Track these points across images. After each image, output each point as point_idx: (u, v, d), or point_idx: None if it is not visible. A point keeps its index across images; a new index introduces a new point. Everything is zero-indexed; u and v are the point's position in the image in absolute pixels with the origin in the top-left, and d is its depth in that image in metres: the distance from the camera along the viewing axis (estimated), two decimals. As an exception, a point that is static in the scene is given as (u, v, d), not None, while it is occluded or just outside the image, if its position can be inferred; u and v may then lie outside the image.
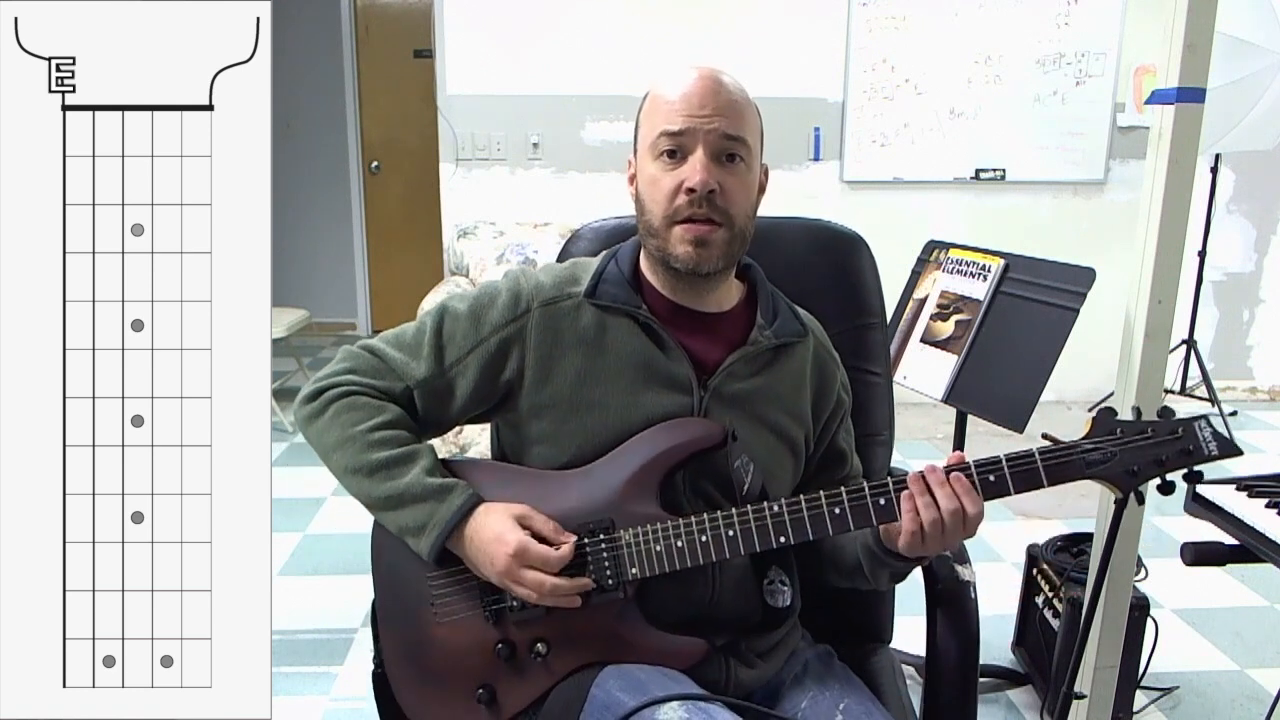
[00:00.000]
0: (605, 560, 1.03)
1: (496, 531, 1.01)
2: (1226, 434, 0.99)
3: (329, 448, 1.07)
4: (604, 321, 1.09)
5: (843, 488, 1.02)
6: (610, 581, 1.03)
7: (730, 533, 1.02)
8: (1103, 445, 0.99)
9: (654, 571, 1.03)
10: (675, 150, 1.05)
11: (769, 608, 1.10)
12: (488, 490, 1.07)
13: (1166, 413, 1.01)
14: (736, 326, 1.13)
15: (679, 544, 1.02)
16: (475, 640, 1.06)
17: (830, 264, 1.36)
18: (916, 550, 1.00)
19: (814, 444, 1.18)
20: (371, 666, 1.14)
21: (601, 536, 1.03)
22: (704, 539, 1.02)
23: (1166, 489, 1.00)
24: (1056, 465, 0.98)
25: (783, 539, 1.02)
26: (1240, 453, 1.00)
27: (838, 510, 1.01)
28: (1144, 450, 0.99)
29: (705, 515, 1.03)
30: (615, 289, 1.10)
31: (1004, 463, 0.99)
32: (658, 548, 1.03)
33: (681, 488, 1.08)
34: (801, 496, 1.03)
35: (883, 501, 1.00)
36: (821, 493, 1.02)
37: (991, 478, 0.98)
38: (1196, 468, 0.99)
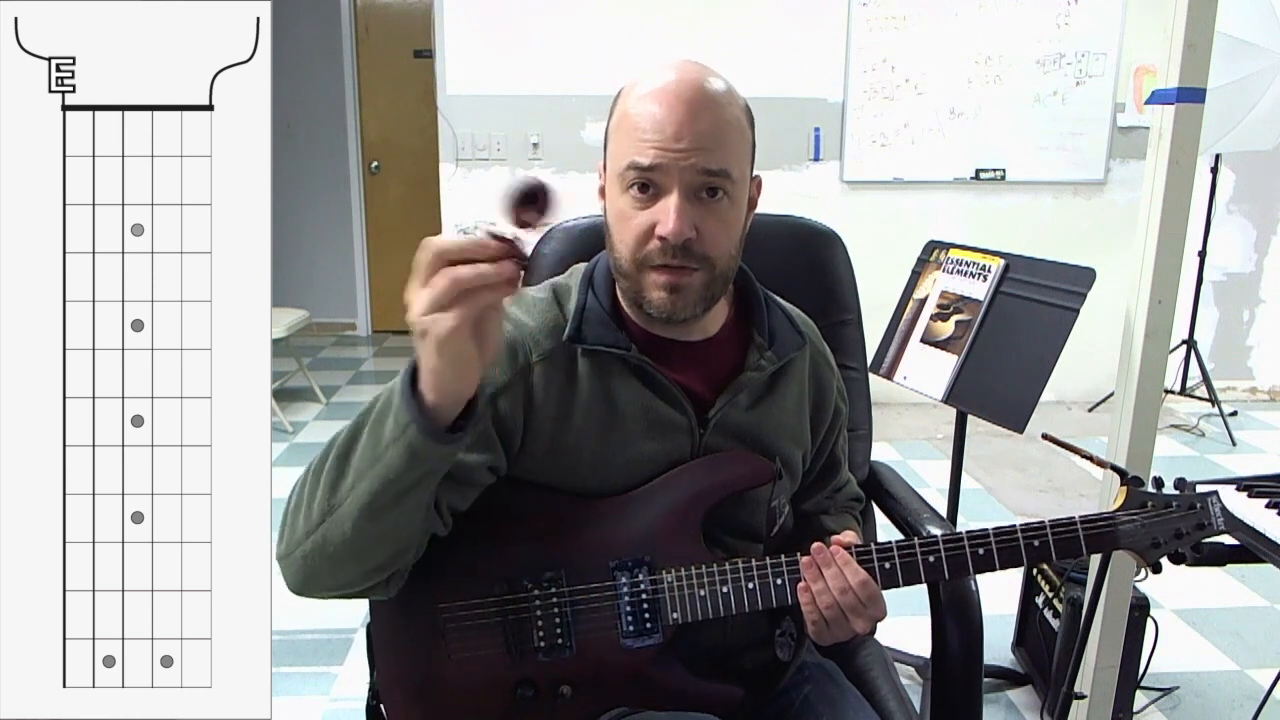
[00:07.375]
0: (644, 601, 0.96)
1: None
2: (1228, 512, 1.03)
3: (312, 539, 0.86)
4: (598, 370, 0.98)
5: (894, 544, 0.97)
6: (649, 625, 0.96)
7: (779, 581, 0.96)
8: (1135, 518, 1.00)
9: (696, 618, 0.96)
10: (646, 185, 0.91)
11: (775, 659, 1.06)
12: (521, 511, 0.98)
13: (1182, 484, 1.03)
14: (729, 349, 1.04)
15: (724, 589, 0.96)
16: (493, 679, 0.97)
17: (806, 261, 1.36)
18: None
19: (810, 459, 1.12)
20: (366, 696, 1.05)
21: (640, 576, 0.96)
22: (750, 586, 0.96)
23: (1178, 560, 1.02)
24: (1096, 535, 0.99)
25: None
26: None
27: (930, 559, 0.96)
28: (1168, 523, 1.00)
29: (753, 561, 0.97)
30: (600, 329, 0.98)
31: (1048, 528, 0.98)
32: (701, 592, 0.96)
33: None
34: (873, 545, 0.97)
35: (981, 552, 0.97)
36: (916, 541, 0.97)
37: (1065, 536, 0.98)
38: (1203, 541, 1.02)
